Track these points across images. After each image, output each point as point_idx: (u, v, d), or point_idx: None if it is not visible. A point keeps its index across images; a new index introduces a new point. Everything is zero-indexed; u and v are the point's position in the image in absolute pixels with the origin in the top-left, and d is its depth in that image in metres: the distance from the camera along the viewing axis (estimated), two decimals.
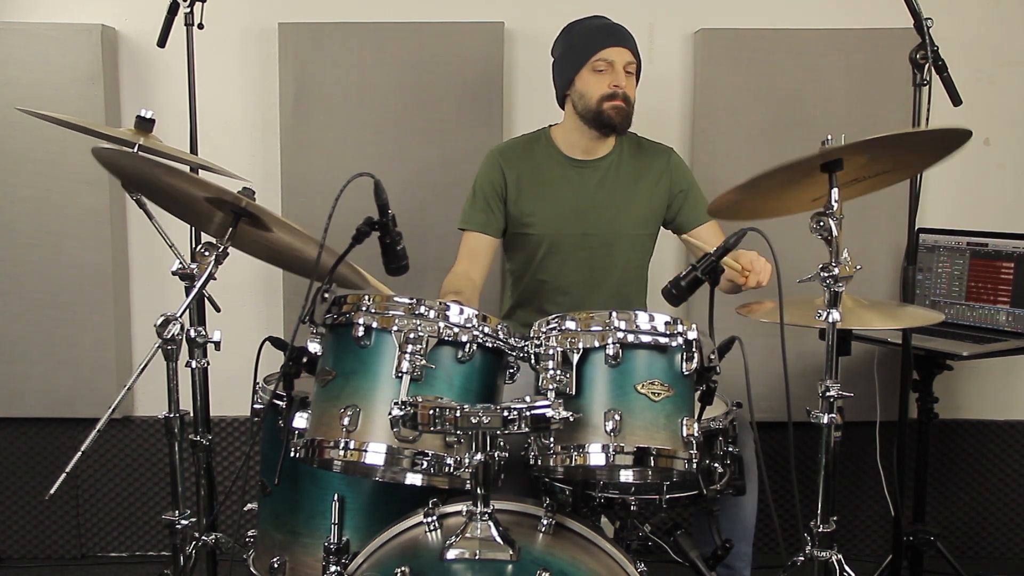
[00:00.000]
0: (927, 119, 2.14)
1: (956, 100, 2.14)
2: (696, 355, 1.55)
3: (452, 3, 2.83)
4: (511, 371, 1.65)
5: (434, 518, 1.56)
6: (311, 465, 1.61)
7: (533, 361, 1.58)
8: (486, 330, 1.56)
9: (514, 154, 2.40)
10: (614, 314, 1.53)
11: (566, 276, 2.39)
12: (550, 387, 1.50)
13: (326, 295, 1.57)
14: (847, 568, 1.79)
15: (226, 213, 1.73)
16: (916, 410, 2.52)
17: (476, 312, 1.57)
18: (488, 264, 2.40)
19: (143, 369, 1.61)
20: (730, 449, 1.85)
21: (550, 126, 2.45)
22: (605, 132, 2.32)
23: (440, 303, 1.55)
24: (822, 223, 1.69)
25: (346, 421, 1.50)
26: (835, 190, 1.67)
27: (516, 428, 1.41)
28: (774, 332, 1.65)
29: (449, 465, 1.50)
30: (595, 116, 2.29)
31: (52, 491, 1.49)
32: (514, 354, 1.62)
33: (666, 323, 1.55)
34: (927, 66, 2.10)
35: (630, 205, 2.39)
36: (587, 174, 2.38)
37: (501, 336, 1.59)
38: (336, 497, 1.77)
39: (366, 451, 1.49)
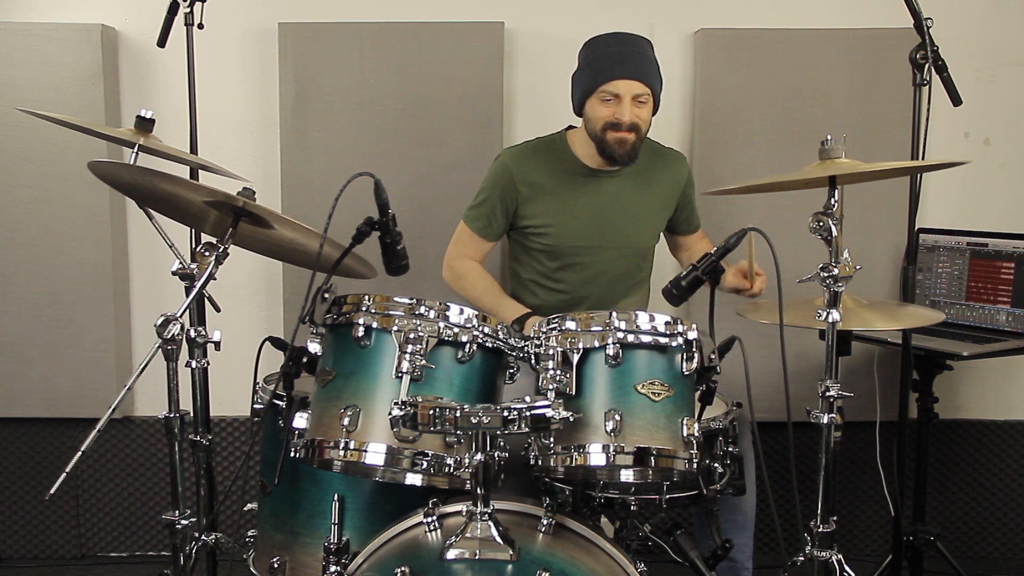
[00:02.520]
0: (927, 119, 2.14)
1: (956, 100, 2.13)
2: (696, 355, 1.55)
3: (452, 3, 2.83)
4: (511, 371, 1.65)
5: (434, 518, 1.56)
6: (311, 465, 1.62)
7: (533, 361, 1.58)
8: (486, 330, 1.57)
9: (529, 162, 2.33)
10: (614, 314, 1.54)
11: (583, 288, 2.36)
12: (550, 387, 1.51)
13: (326, 295, 1.57)
14: (847, 568, 1.79)
15: (226, 214, 1.73)
16: (916, 410, 2.51)
17: (476, 312, 1.57)
18: (484, 260, 2.45)
19: (143, 369, 1.61)
20: (730, 449, 1.85)
21: (567, 129, 2.39)
22: (608, 162, 2.27)
23: (440, 303, 1.55)
24: (822, 223, 1.69)
25: (346, 421, 1.50)
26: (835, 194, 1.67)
27: (516, 428, 1.41)
28: (774, 332, 1.65)
29: (449, 465, 1.50)
30: (599, 144, 2.23)
31: (52, 491, 1.49)
32: (514, 354, 1.62)
33: (666, 323, 1.55)
34: (927, 66, 2.09)
35: (646, 217, 2.39)
36: (605, 185, 2.33)
37: (501, 336, 1.60)
38: (336, 497, 1.77)
39: (366, 451, 1.50)
